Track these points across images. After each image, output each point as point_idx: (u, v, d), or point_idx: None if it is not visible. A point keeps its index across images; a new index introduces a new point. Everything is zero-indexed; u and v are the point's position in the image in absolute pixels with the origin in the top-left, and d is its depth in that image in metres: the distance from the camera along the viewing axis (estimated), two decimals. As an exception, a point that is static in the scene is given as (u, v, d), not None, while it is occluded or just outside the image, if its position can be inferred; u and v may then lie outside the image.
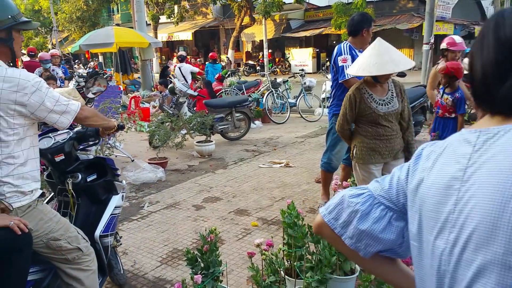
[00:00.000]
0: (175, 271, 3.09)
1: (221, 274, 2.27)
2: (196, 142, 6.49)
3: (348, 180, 3.51)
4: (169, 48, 30.16)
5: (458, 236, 0.68)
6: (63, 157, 2.26)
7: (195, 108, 8.29)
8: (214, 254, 2.24)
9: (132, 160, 4.55)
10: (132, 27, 13.26)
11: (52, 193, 2.54)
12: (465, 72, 4.08)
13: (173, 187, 5.01)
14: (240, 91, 9.83)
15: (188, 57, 16.54)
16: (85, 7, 26.06)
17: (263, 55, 19.80)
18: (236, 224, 3.87)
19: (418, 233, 0.78)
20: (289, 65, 23.46)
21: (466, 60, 5.53)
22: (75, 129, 2.40)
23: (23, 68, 6.93)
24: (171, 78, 10.61)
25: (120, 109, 7.52)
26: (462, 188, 0.69)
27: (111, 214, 2.45)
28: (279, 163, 5.80)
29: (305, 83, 9.57)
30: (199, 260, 2.24)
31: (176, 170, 5.73)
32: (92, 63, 21.88)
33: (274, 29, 23.77)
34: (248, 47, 27.29)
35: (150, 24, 23.42)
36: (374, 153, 2.93)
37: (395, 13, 21.22)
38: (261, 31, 19.54)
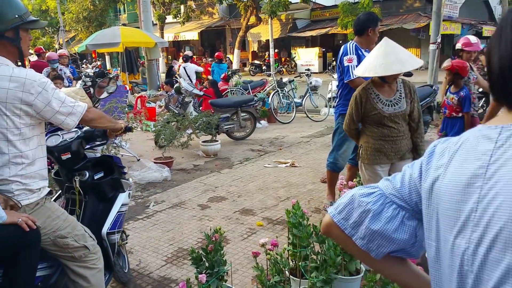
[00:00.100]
0: (180, 270, 3.10)
1: (225, 273, 2.27)
2: (202, 142, 6.50)
3: (354, 180, 3.50)
4: (175, 48, 30.25)
5: (482, 235, 0.66)
6: (70, 155, 2.28)
7: (201, 108, 8.30)
8: (219, 254, 2.24)
9: (138, 160, 4.57)
10: (138, 27, 13.33)
11: (60, 191, 2.56)
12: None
13: (179, 187, 5.03)
14: (246, 91, 9.84)
15: (194, 57, 16.58)
16: (92, 7, 26.23)
17: (269, 54, 19.77)
18: (241, 223, 3.88)
19: (436, 232, 0.76)
20: (295, 65, 23.46)
21: (483, 57, 5.43)
22: (84, 128, 2.41)
23: (30, 67, 6.98)
24: (177, 78, 10.64)
25: (126, 109, 7.57)
26: (484, 186, 0.67)
27: (118, 212, 2.47)
28: (285, 163, 5.80)
29: (311, 82, 9.55)
30: (204, 259, 2.25)
31: (182, 170, 5.75)
32: (97, 62, 22.02)
33: (280, 28, 23.77)
34: (254, 47, 27.29)
35: (156, 24, 23.51)
36: (379, 154, 2.90)
37: (401, 12, 21.13)
38: (267, 30, 19.51)
